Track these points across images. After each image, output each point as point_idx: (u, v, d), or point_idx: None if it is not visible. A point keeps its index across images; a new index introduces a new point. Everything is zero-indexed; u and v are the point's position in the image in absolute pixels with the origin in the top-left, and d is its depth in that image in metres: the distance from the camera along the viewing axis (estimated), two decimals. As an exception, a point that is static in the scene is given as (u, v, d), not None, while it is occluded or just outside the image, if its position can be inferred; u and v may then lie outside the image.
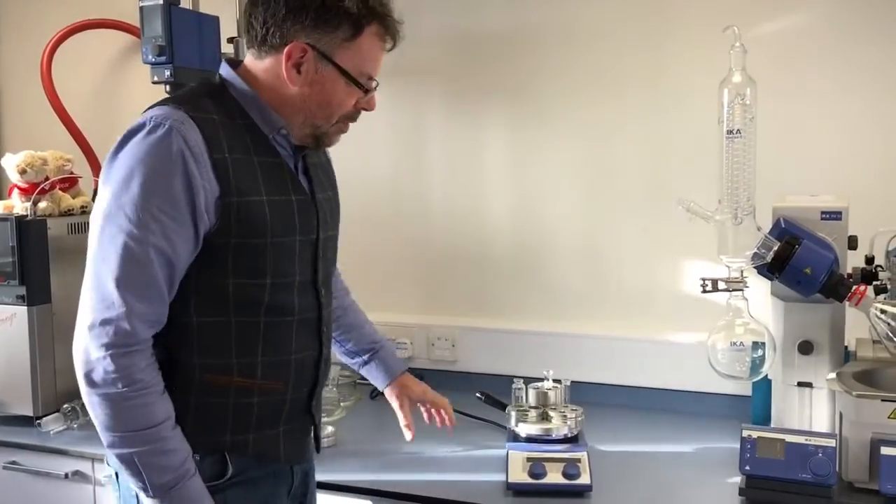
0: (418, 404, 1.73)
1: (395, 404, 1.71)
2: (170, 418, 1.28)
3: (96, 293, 1.26)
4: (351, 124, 1.46)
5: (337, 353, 1.76)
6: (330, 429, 1.94)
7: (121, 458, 1.27)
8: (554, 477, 1.61)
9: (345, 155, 2.50)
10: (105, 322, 1.24)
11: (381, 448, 1.90)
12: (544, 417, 1.74)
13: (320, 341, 1.48)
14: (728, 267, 1.67)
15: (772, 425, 1.79)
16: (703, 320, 1.84)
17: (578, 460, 1.64)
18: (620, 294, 2.21)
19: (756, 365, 1.68)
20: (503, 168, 2.31)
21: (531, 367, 2.11)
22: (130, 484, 1.30)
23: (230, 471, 1.37)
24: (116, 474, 1.40)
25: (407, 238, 2.41)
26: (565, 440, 1.71)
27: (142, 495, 1.29)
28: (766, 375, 1.74)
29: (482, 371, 2.30)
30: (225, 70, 1.41)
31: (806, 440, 1.54)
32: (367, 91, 1.41)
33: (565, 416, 1.72)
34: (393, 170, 2.42)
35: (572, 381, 1.87)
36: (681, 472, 1.74)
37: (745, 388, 1.96)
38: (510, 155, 2.30)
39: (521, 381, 1.80)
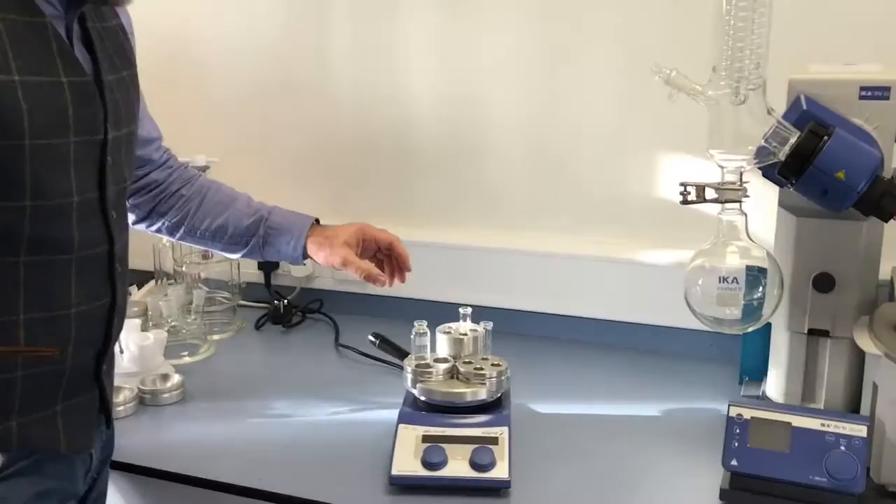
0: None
1: (334, 261, 1.27)
2: None
3: None
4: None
5: (225, 254, 1.37)
6: (177, 378, 1.44)
7: None
8: (457, 467, 1.12)
9: (218, 9, 1.93)
10: None
11: (241, 405, 1.41)
12: (455, 375, 1.24)
13: (113, 285, 1.03)
14: (721, 167, 1.14)
15: (766, 388, 1.31)
16: (686, 237, 1.33)
17: (495, 440, 1.15)
18: (578, 200, 1.68)
19: (753, 308, 1.18)
20: (431, 31, 1.72)
21: (464, 291, 1.64)
22: None
23: (1, 460, 0.96)
24: None
25: (306, 122, 1.85)
26: (482, 407, 1.22)
27: None
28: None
29: (400, 295, 1.78)
30: None
31: (822, 425, 1.05)
32: None
33: (483, 373, 1.23)
34: (283, 30, 1.82)
35: (515, 310, 1.37)
36: (640, 454, 1.24)
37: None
38: (439, 14, 1.71)
39: (425, 323, 1.28)
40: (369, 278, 1.25)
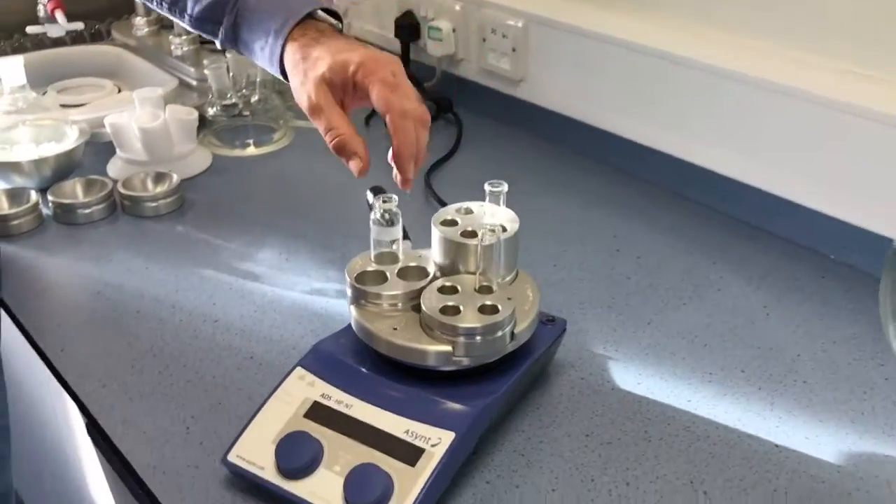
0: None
1: (300, 98, 0.73)
2: None
3: None
4: None
5: (189, 26, 0.85)
6: (174, 180, 1.05)
7: None
8: (322, 486, 0.60)
9: None
10: None
11: (223, 245, 0.99)
12: (420, 307, 0.69)
13: None
14: None
15: None
16: None
17: (417, 454, 0.61)
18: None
19: None
20: None
21: (645, 124, 1.07)
22: None
23: None
24: None
25: None
26: (460, 375, 0.67)
27: None
28: None
29: (565, 112, 1.18)
30: None
31: None
32: None
33: (456, 323, 0.65)
34: None
35: (717, 175, 0.87)
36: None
37: None
38: None
39: (395, 201, 0.69)
40: (340, 152, 0.71)
